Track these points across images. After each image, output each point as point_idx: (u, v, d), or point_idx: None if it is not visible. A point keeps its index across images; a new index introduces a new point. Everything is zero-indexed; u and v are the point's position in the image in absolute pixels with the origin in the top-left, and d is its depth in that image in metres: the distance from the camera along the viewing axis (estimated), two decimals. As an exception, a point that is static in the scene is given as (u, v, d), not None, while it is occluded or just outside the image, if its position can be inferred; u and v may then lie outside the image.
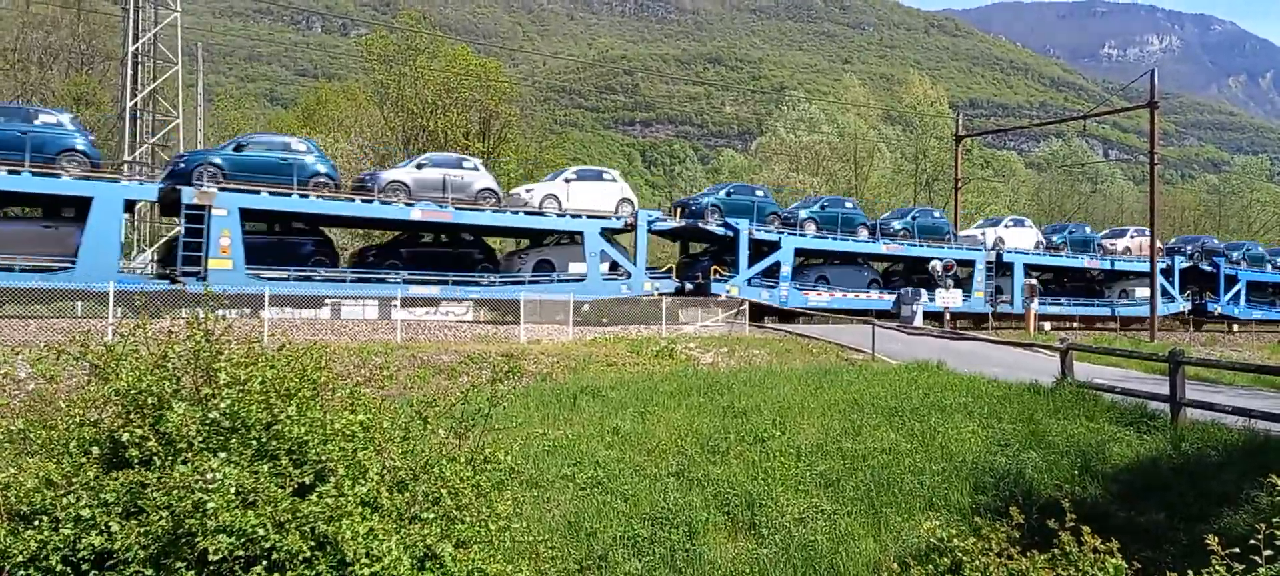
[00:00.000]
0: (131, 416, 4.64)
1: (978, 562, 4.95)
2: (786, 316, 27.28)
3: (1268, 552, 4.50)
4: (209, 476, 4.14)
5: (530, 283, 24.09)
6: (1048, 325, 32.13)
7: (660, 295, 25.42)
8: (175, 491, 4.13)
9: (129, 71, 33.01)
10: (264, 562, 4.14)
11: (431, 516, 4.63)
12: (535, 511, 9.21)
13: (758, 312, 26.69)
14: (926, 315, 29.07)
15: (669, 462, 10.64)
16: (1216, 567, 4.58)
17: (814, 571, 8.45)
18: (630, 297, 25.45)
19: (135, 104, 32.88)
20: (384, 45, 44.91)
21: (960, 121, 44.94)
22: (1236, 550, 4.64)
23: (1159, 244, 36.09)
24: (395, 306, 21.54)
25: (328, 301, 22.70)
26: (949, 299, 29.72)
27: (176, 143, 33.79)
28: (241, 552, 4.09)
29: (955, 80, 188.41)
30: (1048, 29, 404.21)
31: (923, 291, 29.48)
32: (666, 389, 14.28)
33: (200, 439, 4.48)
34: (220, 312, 20.53)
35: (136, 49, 33.08)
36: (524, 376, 16.51)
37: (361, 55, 49.79)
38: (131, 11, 33.20)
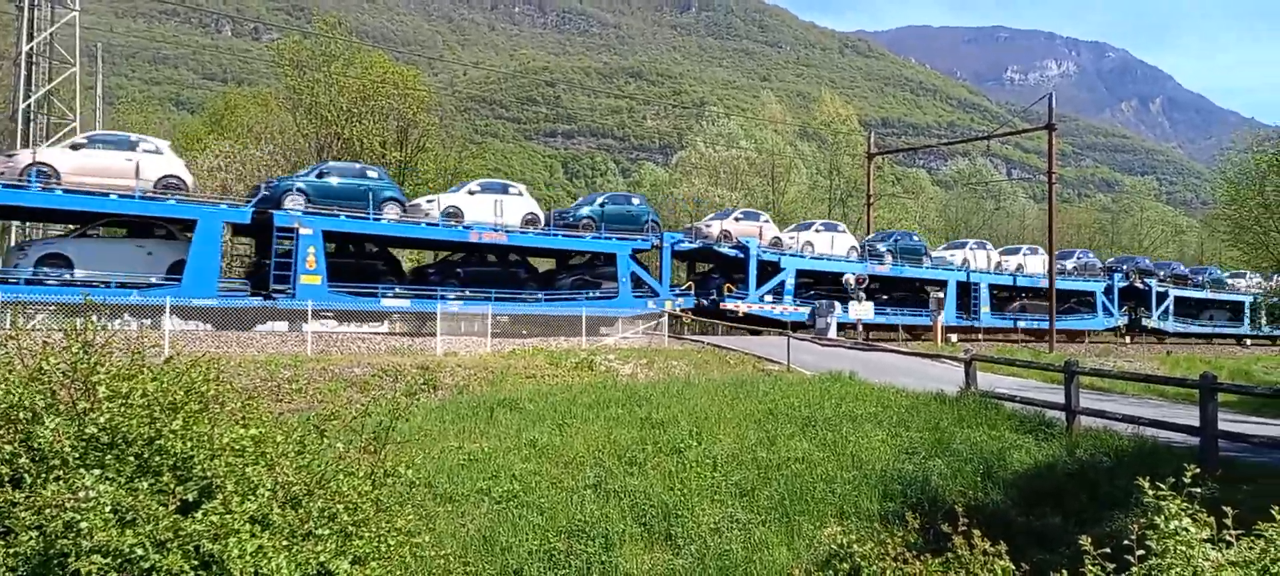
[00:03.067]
0: (2, 433, 4.36)
1: (875, 567, 5.06)
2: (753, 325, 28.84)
3: (1140, 552, 4.72)
4: (82, 494, 3.91)
5: (568, 299, 25.69)
6: (955, 337, 33.38)
7: (683, 311, 27.92)
8: (46, 510, 3.89)
9: (23, 71, 31.34)
10: (143, 584, 3.91)
11: (327, 532, 4.45)
12: (449, 526, 9.03)
13: (679, 325, 27.23)
14: (840, 326, 29.85)
15: (586, 475, 10.57)
16: (1090, 568, 4.78)
17: (728, 580, 8.50)
18: (657, 312, 26.72)
19: (29, 106, 31.20)
20: (297, 51, 43.55)
21: (872, 140, 46.35)
22: (1107, 550, 4.86)
23: (1099, 263, 42.33)
24: (321, 319, 21.25)
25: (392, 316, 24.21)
26: (861, 311, 30.54)
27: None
28: (117, 573, 3.86)
29: (868, 100, 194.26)
30: (955, 52, 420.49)
31: (836, 304, 30.19)
32: (585, 401, 14.21)
33: (76, 455, 4.23)
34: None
35: (31, 48, 31.44)
36: (440, 389, 16.24)
37: (273, 60, 48.29)
38: (26, 9, 31.55)
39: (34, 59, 31.75)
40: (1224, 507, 4.83)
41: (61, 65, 32.63)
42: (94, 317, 5.11)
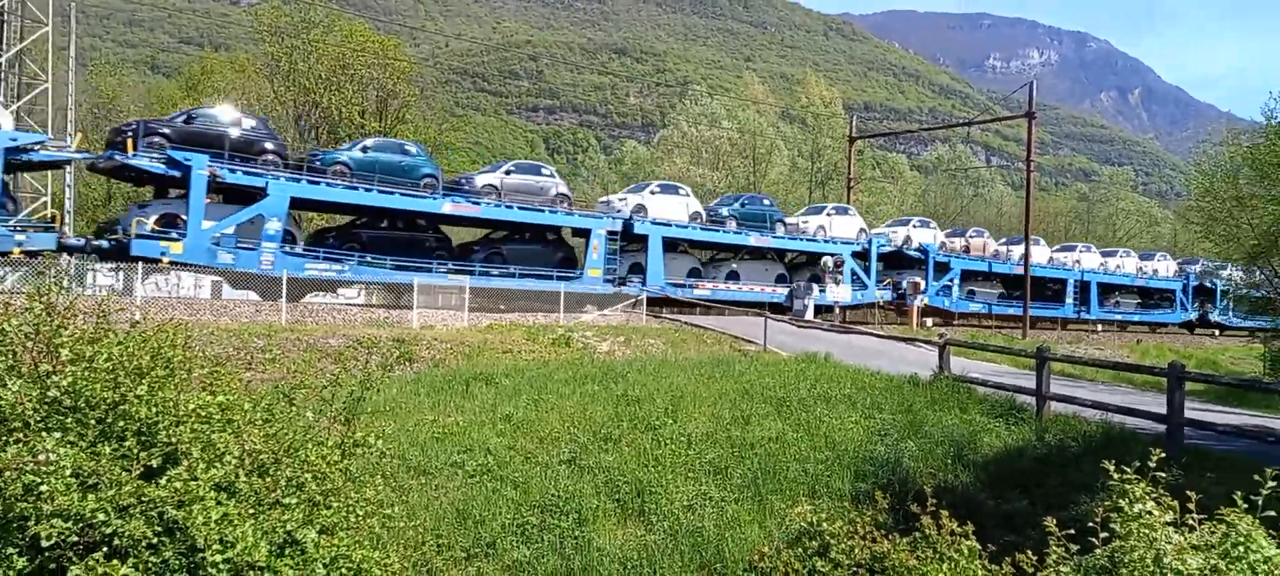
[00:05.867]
0: (-39, 395, 4.26)
1: (845, 544, 5.11)
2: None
3: (1104, 534, 4.80)
4: (42, 457, 3.84)
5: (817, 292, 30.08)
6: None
7: (885, 304, 32.92)
8: (5, 473, 3.81)
9: (-8, 30, 30.56)
10: (104, 549, 3.86)
11: (294, 501, 4.41)
12: (423, 499, 9.01)
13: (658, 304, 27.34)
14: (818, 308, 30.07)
15: (561, 450, 10.58)
16: (1055, 548, 4.85)
17: (700, 557, 8.54)
18: (872, 303, 32.51)
19: None
20: (276, 16, 42.85)
21: (854, 123, 46.39)
22: (1072, 531, 4.94)
23: (1173, 263, 46.50)
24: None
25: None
26: (839, 294, 30.69)
27: (45, 108, 31.53)
28: (78, 538, 3.81)
29: (851, 83, 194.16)
30: (938, 38, 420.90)
31: (814, 286, 30.32)
32: (561, 377, 14.19)
33: (37, 418, 4.15)
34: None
35: (2, 7, 30.65)
36: (416, 362, 16.11)
37: (252, 25, 47.54)
38: (-4, -34, 30.73)
39: (4, 17, 30.97)
40: (1188, 493, 4.91)
41: (33, 24, 31.84)
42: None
